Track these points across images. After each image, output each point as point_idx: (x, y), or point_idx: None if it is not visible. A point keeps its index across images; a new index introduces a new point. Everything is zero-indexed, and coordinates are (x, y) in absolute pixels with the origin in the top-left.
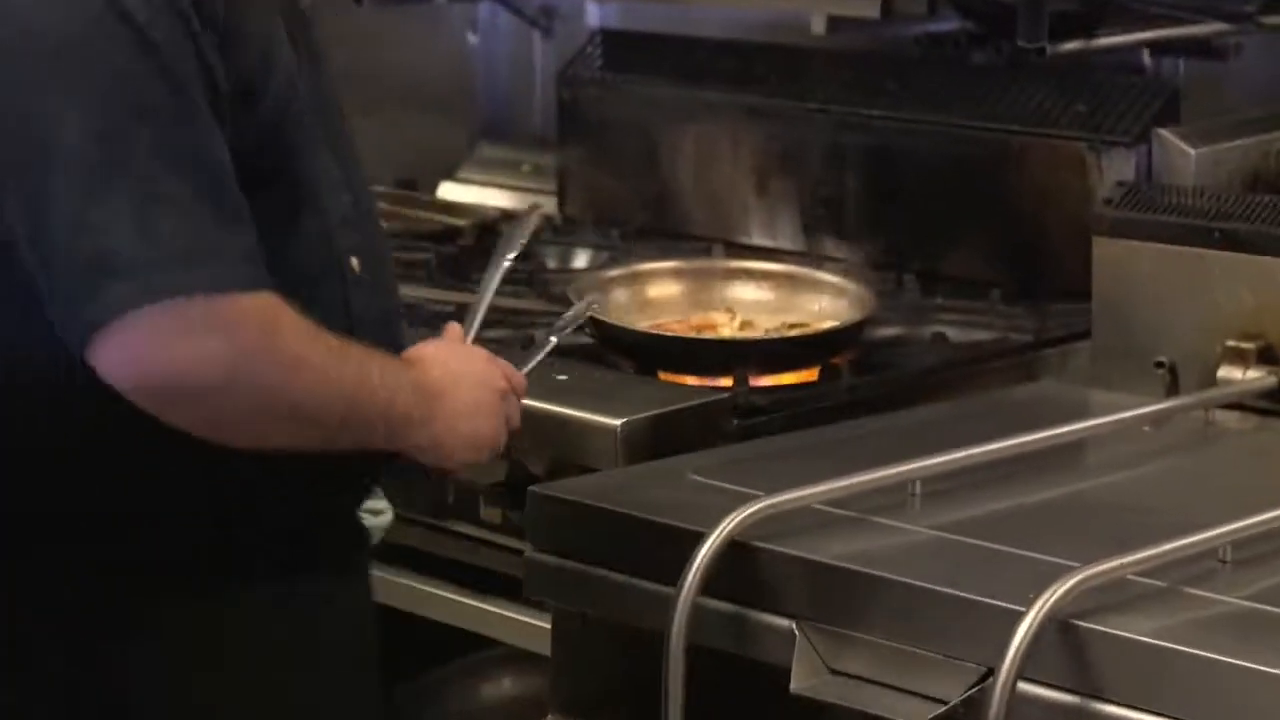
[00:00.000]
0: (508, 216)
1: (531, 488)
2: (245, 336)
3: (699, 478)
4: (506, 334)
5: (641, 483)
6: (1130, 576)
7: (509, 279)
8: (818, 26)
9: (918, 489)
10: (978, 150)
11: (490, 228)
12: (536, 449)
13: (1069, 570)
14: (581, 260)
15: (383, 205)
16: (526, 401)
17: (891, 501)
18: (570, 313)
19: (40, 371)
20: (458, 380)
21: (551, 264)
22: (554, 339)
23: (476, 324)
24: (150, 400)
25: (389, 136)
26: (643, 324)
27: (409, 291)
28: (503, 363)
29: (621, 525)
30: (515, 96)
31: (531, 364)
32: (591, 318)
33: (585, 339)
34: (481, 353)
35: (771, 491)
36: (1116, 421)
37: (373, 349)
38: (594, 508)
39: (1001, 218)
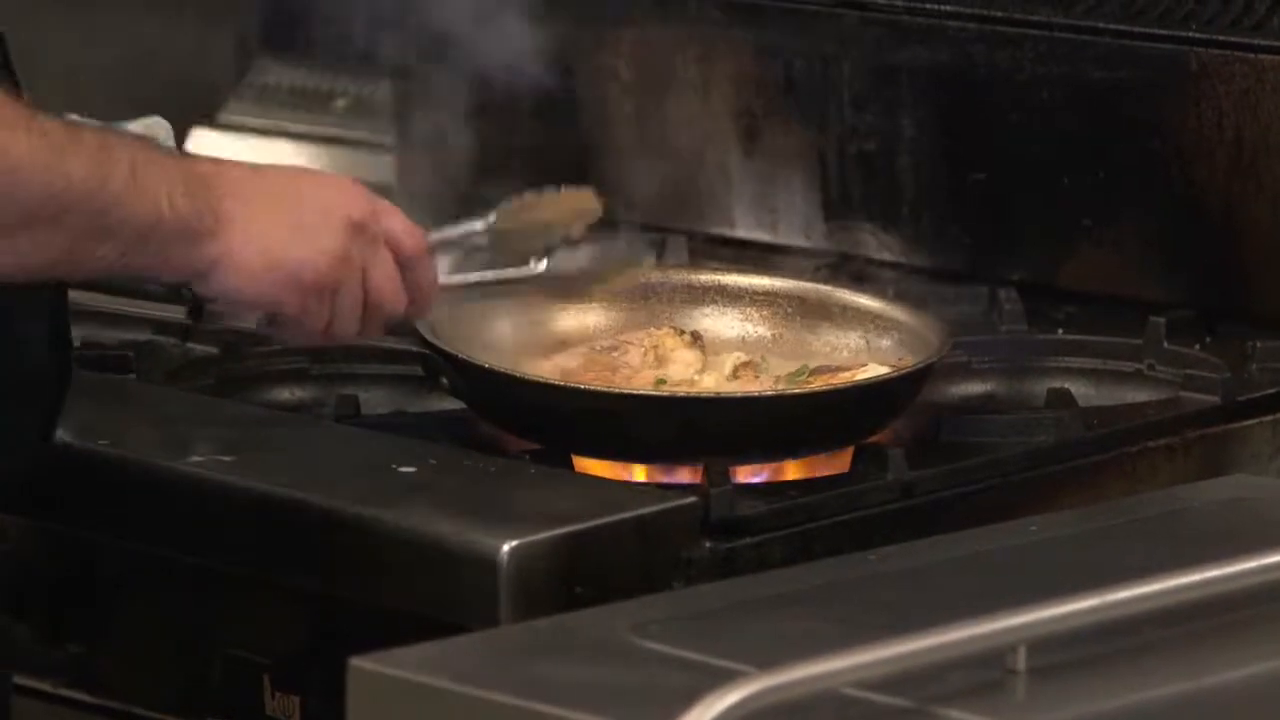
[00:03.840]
0: None
1: (353, 660)
2: None
3: (643, 641)
4: (308, 394)
5: (545, 650)
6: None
7: None
8: None
9: (1021, 661)
10: (1128, 73)
11: None
12: (359, 592)
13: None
14: (438, 269)
15: None
16: (333, 507)
17: (977, 682)
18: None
19: None
20: (274, 187)
21: None
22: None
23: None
24: None
25: (100, 48)
26: (545, 371)
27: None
28: (382, 202)
29: None
30: None
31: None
32: (456, 363)
33: (445, 402)
34: (337, 176)
35: (767, 665)
36: None
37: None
38: (461, 695)
39: (1168, 191)
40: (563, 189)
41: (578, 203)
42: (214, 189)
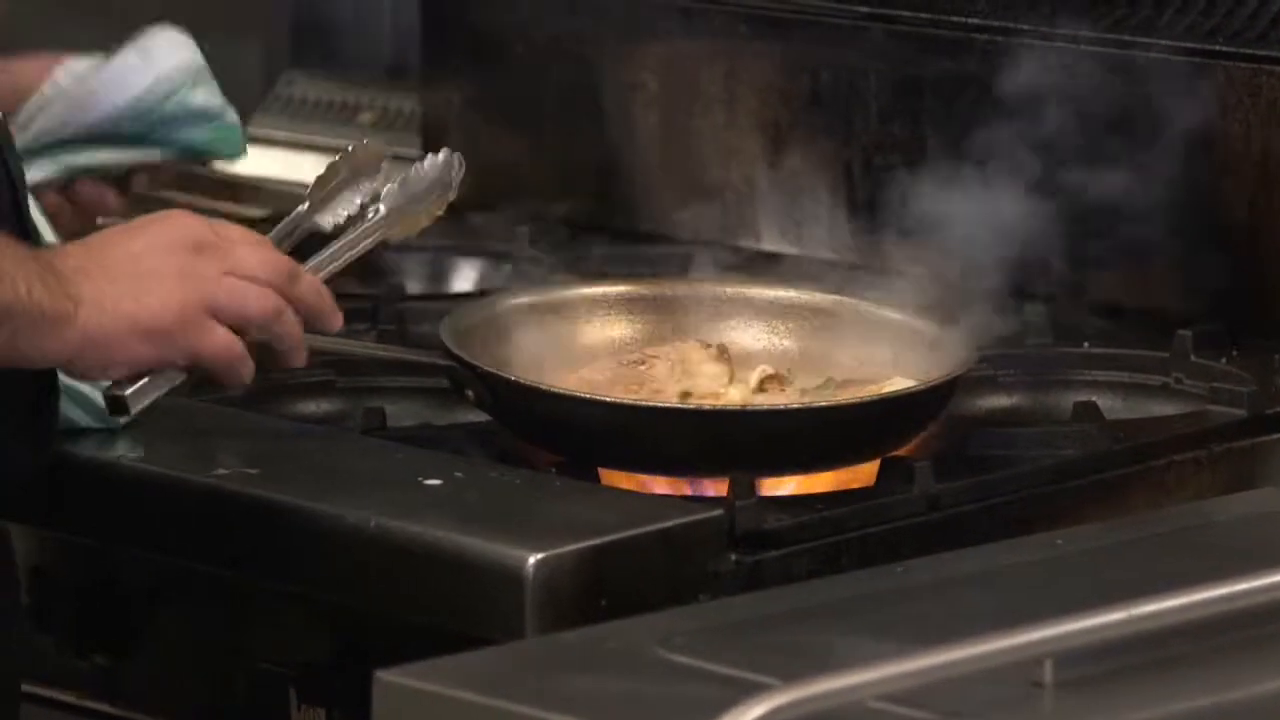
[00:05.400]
0: None
1: (379, 672)
2: None
3: (670, 653)
4: (334, 407)
5: (571, 662)
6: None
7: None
8: None
9: (1048, 674)
10: (1155, 86)
11: None
12: (385, 604)
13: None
14: (465, 279)
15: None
16: (359, 520)
17: (1004, 695)
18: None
19: None
20: (111, 253)
21: (413, 286)
22: (382, 207)
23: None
24: None
25: None
26: (570, 384)
27: None
28: (215, 220)
29: None
30: None
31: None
32: (482, 376)
33: (471, 415)
34: (164, 212)
35: (794, 677)
36: None
37: None
38: (487, 707)
39: (1195, 204)
40: (350, 146)
41: (367, 152)
42: (63, 275)
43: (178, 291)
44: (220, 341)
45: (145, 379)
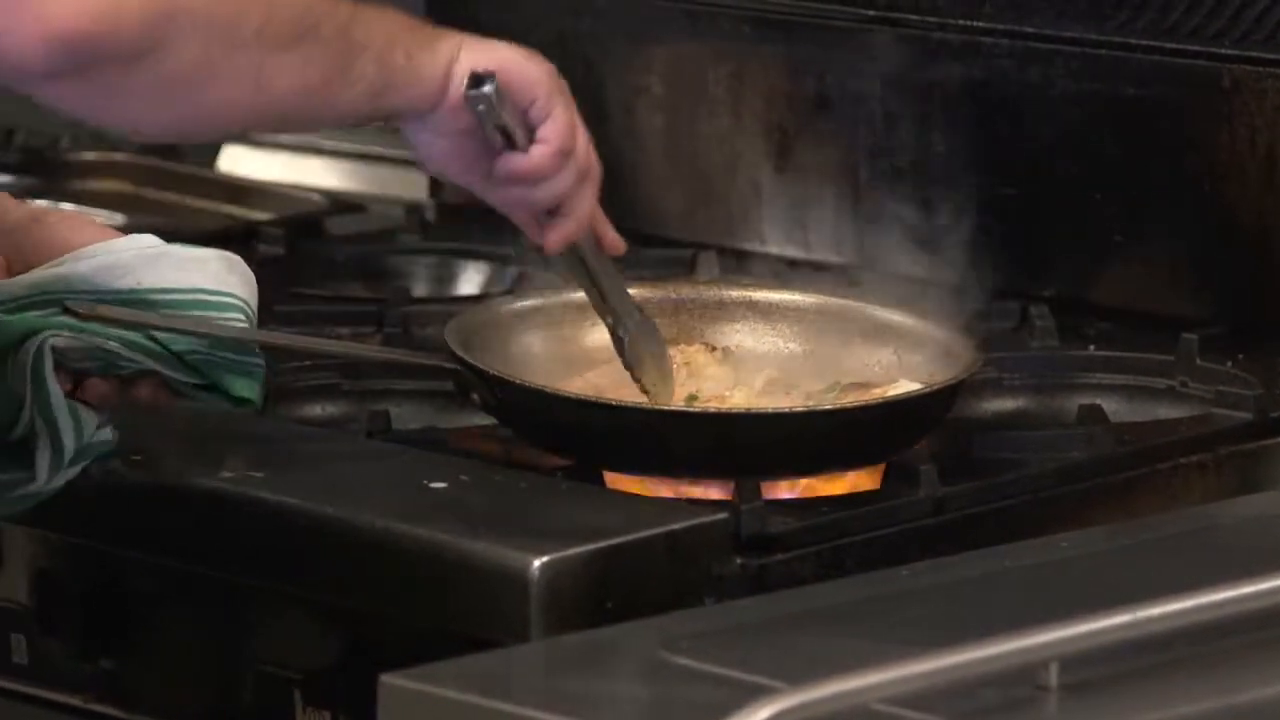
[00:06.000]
0: (348, 208)
1: (384, 676)
2: None
3: (674, 656)
4: (339, 410)
5: (576, 665)
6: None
7: (343, 318)
8: None
9: (1053, 678)
10: (1160, 89)
11: (314, 226)
12: (390, 607)
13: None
14: (470, 282)
15: (124, 186)
16: (364, 523)
17: (1009, 698)
18: None
19: None
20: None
21: (419, 289)
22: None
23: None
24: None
25: None
26: (575, 387)
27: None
28: None
29: None
30: None
31: None
32: (488, 379)
33: (476, 418)
34: None
35: (799, 680)
36: None
37: None
38: (492, 710)
39: (1200, 206)
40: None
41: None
42: (422, 27)
43: (557, 87)
44: (567, 145)
45: None
